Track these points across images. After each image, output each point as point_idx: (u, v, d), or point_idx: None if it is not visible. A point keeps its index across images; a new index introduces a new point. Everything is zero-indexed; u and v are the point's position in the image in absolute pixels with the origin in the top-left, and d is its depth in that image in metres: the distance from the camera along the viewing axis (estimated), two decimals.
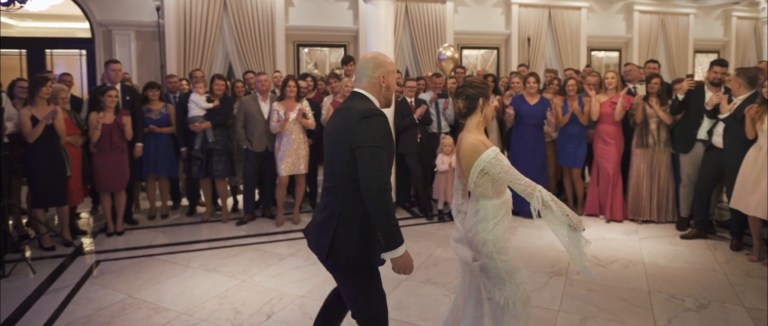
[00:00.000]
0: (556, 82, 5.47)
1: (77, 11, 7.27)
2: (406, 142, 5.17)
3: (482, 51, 9.52)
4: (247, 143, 4.94)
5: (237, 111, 5.04)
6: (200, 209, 5.55)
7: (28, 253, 4.20)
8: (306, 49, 8.48)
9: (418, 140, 5.15)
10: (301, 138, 4.89)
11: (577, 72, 6.19)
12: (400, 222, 5.01)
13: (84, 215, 5.51)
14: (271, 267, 3.91)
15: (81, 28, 7.57)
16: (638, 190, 4.84)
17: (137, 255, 4.23)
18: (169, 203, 5.69)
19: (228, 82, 5.32)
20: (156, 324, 3.02)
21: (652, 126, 4.69)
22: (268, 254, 4.22)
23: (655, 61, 5.52)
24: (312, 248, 2.09)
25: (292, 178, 5.14)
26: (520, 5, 9.26)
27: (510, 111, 4.97)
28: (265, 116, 4.93)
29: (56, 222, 4.79)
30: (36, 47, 7.38)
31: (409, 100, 5.21)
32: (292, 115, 4.75)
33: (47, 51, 7.44)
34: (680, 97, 4.43)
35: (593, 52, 10.26)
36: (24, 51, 7.31)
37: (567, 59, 9.51)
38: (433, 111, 5.37)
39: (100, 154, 4.60)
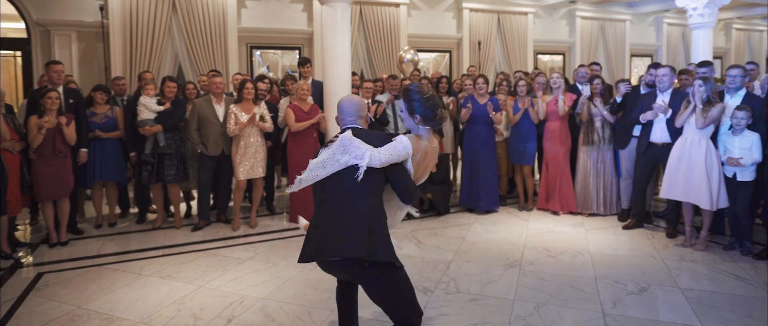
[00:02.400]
0: (505, 83, 5.71)
1: (11, 10, 6.83)
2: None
3: (435, 54, 9.76)
4: (202, 147, 4.83)
5: (189, 114, 4.91)
6: (151, 216, 5.35)
7: None
8: (259, 52, 8.37)
9: None
10: (259, 141, 4.83)
11: (526, 74, 6.48)
12: None
13: (22, 226, 5.18)
14: (229, 272, 3.84)
15: (16, 28, 7.11)
16: (585, 185, 5.13)
17: (84, 265, 4.03)
18: (118, 211, 5.45)
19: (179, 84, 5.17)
20: None
21: (597, 124, 5.00)
22: (225, 258, 4.14)
23: (597, 64, 5.88)
24: (336, 253, 2.07)
25: (250, 182, 5.07)
26: (471, 10, 9.57)
27: (470, 106, 5.11)
28: (220, 119, 4.83)
29: None
30: None
31: (365, 101, 5.26)
32: (254, 117, 4.68)
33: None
34: (618, 99, 4.78)
35: (539, 56, 10.75)
36: None
37: (515, 62, 9.91)
38: (389, 112, 5.46)
39: (41, 160, 4.34)
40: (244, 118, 4.68)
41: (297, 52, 8.46)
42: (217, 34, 7.65)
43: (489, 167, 5.28)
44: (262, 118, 4.78)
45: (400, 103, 5.28)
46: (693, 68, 5.10)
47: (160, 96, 4.91)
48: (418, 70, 6.42)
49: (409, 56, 6.04)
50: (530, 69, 9.12)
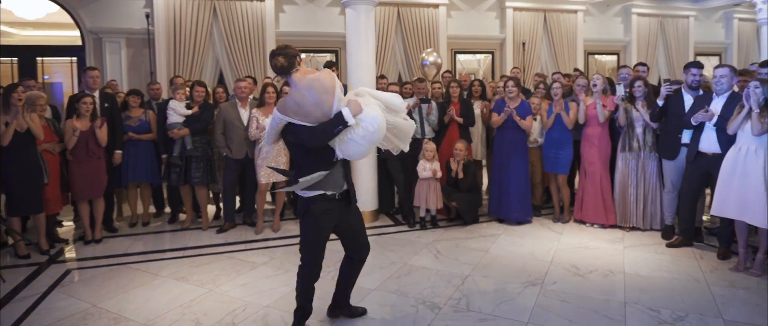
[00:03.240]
0: (542, 86, 5.37)
1: (68, 19, 7.32)
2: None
3: (480, 56, 9.43)
4: (227, 150, 4.90)
5: (216, 118, 5.00)
6: (182, 216, 5.51)
7: (1, 261, 4.18)
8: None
9: None
10: (280, 145, 4.82)
11: (567, 76, 6.08)
12: (383, 230, 4.75)
13: (67, 223, 5.49)
14: (241, 276, 3.84)
15: (72, 36, 7.62)
16: (624, 196, 4.71)
17: (110, 264, 4.18)
18: (152, 210, 5.66)
19: (208, 89, 5.28)
20: None
21: (638, 130, 4.57)
22: (241, 262, 4.15)
23: (644, 64, 5.39)
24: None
25: (275, 185, 5.09)
26: (515, 9, 9.18)
27: (507, 110, 4.82)
28: (244, 123, 4.88)
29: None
30: (27, 55, 7.44)
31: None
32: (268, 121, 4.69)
33: (38, 59, 7.48)
34: (660, 102, 4.32)
35: (591, 56, 10.13)
36: (16, 59, 7.36)
37: (563, 63, 9.39)
38: (415, 116, 5.29)
39: (76, 161, 4.58)
40: (265, 121, 4.69)
41: (333, 55, 8.47)
42: (256, 38, 7.80)
43: (519, 175, 4.98)
44: None
45: (424, 107, 5.16)
46: (755, 68, 4.54)
47: (190, 100, 5.03)
48: (449, 71, 6.19)
49: (431, 59, 5.82)
50: (583, 70, 8.58)
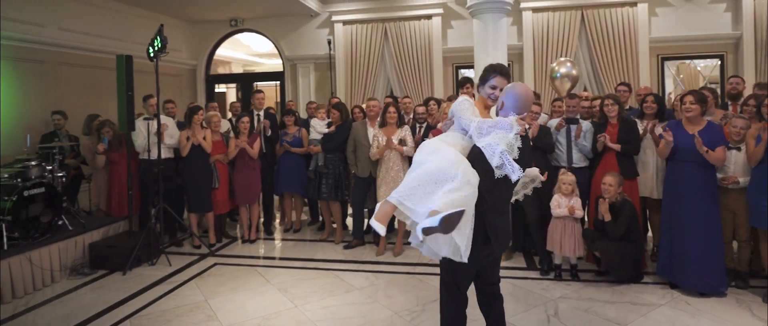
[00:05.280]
0: (752, 101, 3.78)
1: (274, 49, 8.75)
2: None
3: (701, 62, 7.37)
4: (355, 167, 4.99)
5: (350, 136, 5.16)
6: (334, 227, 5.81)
7: (174, 247, 5.17)
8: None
9: None
10: (399, 166, 4.66)
11: None
12: (513, 272, 4.12)
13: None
14: (331, 298, 3.80)
15: (276, 63, 9.06)
16: None
17: (245, 264, 4.71)
18: (304, 218, 6.20)
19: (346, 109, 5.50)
20: None
21: None
22: (340, 283, 4.13)
23: None
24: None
25: None
26: None
27: (668, 137, 3.62)
28: (371, 142, 4.89)
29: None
30: (246, 81, 9.18)
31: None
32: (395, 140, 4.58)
33: (255, 84, 9.16)
34: None
35: None
36: (237, 84, 9.17)
37: None
38: (561, 140, 4.40)
39: (237, 170, 5.35)
40: (383, 141, 4.60)
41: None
42: (423, 56, 7.81)
43: (704, 226, 3.59)
44: (402, 142, 4.59)
45: (573, 129, 4.22)
46: None
47: (331, 119, 5.33)
48: (626, 84, 4.94)
49: (563, 70, 4.70)
50: None
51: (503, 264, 4.43)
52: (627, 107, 4.90)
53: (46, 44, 5.91)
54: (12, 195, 4.05)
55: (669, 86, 7.59)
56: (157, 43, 4.65)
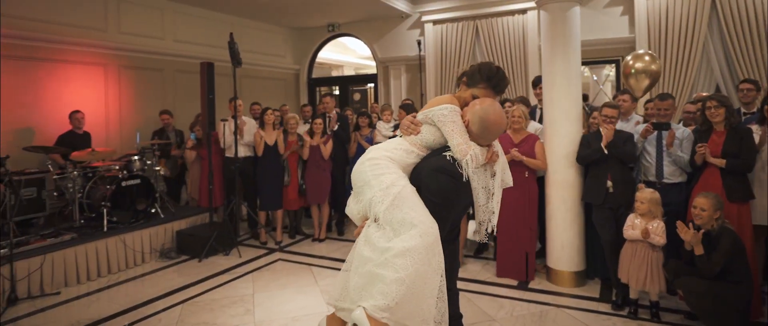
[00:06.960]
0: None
1: (368, 52, 8.90)
2: (591, 188, 3.75)
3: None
4: None
5: None
6: None
7: (253, 240, 5.52)
8: None
9: (609, 188, 3.63)
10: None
11: None
12: (574, 302, 3.79)
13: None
14: None
15: (371, 65, 9.19)
16: None
17: (303, 262, 4.85)
18: None
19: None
20: (229, 323, 3.44)
21: None
22: None
23: None
24: None
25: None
26: None
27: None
28: None
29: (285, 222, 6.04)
30: (344, 83, 9.49)
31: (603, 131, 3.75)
32: None
33: (351, 87, 9.43)
34: None
35: None
36: (337, 87, 9.53)
37: None
38: (650, 148, 3.67)
39: (309, 170, 5.52)
40: None
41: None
42: (518, 53, 7.25)
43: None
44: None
45: (665, 135, 3.49)
46: None
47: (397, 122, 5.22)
48: (752, 81, 3.92)
49: (638, 65, 3.77)
50: None
51: (571, 291, 3.88)
52: (752, 111, 3.91)
53: (164, 54, 6.80)
54: (111, 184, 4.71)
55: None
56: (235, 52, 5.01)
